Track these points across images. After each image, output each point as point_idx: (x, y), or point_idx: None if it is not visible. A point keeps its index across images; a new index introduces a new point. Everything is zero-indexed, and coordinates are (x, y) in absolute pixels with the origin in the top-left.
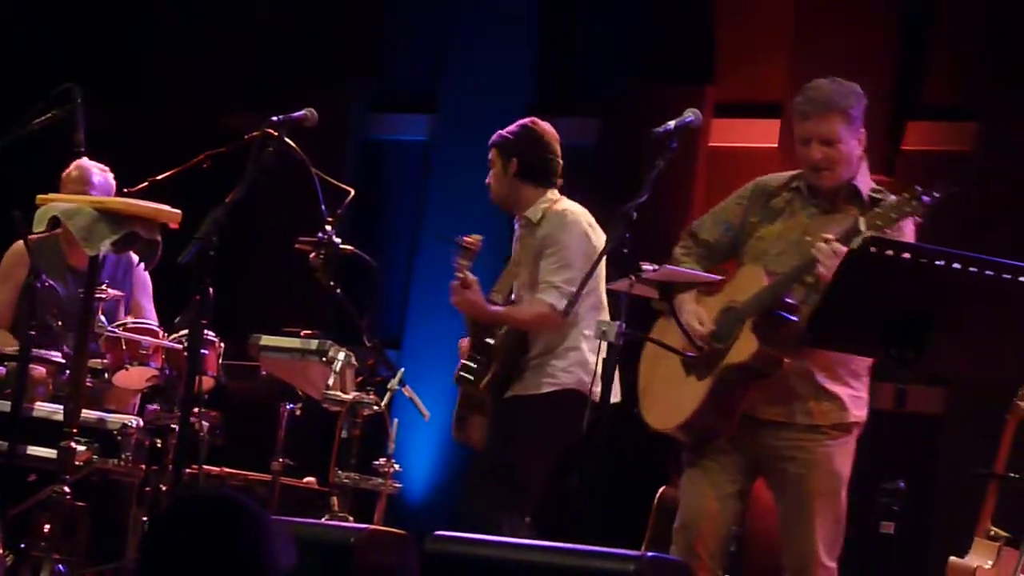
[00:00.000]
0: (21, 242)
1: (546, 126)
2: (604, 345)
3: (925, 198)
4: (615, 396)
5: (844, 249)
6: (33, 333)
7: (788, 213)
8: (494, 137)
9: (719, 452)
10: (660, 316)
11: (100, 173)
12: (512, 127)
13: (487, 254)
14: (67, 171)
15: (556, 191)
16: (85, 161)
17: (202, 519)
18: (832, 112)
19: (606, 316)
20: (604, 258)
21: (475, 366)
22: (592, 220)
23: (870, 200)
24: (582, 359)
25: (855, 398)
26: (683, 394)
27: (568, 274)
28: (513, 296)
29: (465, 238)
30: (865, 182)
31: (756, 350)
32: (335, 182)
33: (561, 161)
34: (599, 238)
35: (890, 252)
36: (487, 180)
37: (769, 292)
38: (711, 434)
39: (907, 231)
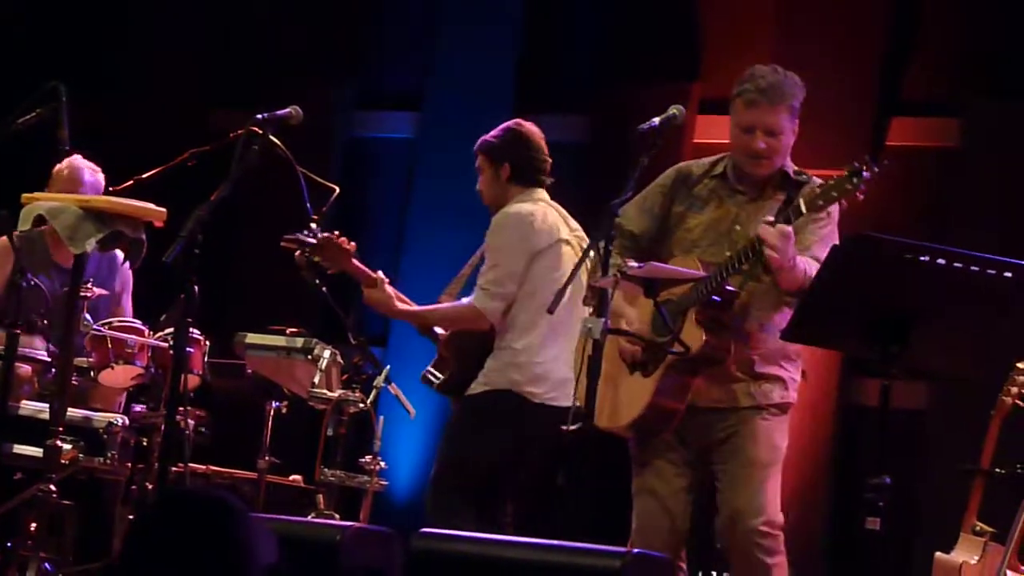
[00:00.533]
0: (4, 239)
1: (532, 127)
2: (589, 342)
3: (865, 174)
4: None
5: (789, 229)
6: (18, 332)
7: (715, 202)
8: (480, 143)
9: (667, 449)
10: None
11: (91, 173)
12: (497, 131)
13: (466, 255)
14: (58, 168)
15: (541, 190)
16: (77, 159)
17: (184, 517)
18: (780, 104)
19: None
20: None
21: (435, 370)
22: (545, 218)
23: (796, 182)
24: (513, 360)
25: (791, 379)
26: (630, 391)
27: (494, 274)
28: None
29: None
30: (789, 164)
31: (704, 340)
32: (320, 180)
33: (549, 160)
34: (546, 235)
35: (876, 248)
36: (478, 187)
37: (709, 282)
38: (659, 428)
39: (834, 222)
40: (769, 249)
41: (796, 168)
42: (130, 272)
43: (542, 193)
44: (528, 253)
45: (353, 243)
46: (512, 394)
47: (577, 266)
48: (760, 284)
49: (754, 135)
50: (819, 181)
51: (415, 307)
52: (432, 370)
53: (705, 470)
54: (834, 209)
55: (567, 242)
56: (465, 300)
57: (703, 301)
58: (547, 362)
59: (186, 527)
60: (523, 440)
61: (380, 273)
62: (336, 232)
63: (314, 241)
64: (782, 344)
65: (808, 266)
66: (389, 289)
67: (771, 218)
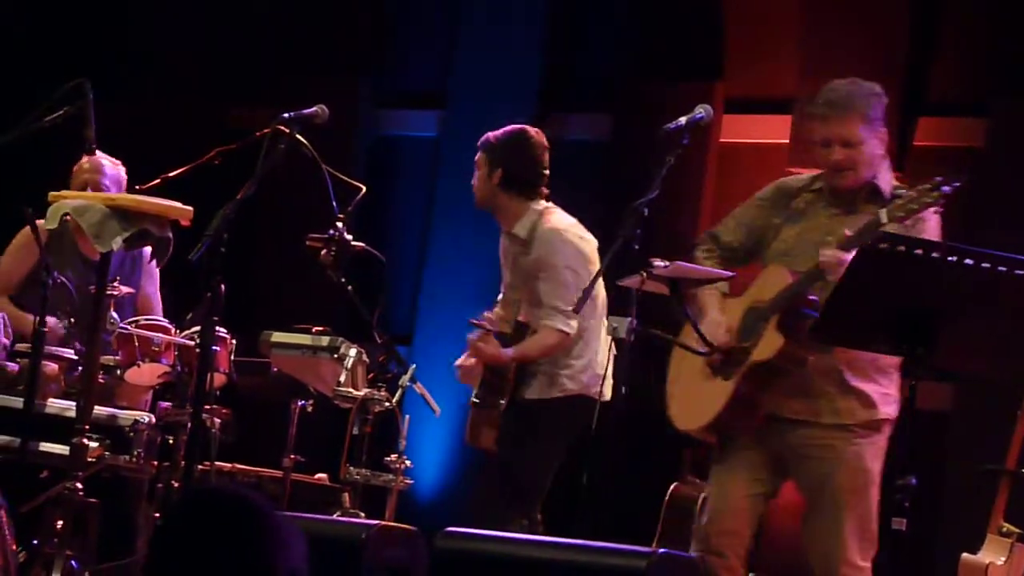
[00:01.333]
0: (39, 222)
1: (536, 134)
2: (612, 342)
3: (944, 188)
4: (607, 394)
5: (843, 256)
6: (45, 330)
7: (810, 214)
8: (483, 139)
9: (747, 450)
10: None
11: (112, 165)
12: (503, 132)
13: (497, 256)
14: (79, 164)
15: (542, 201)
16: (100, 154)
17: (211, 516)
18: (851, 114)
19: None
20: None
21: (487, 394)
22: (581, 229)
23: (892, 197)
24: (586, 364)
25: (884, 395)
26: (708, 394)
27: (569, 294)
28: (520, 316)
29: (479, 322)
30: (886, 180)
31: (781, 347)
32: (346, 179)
33: (547, 172)
34: (590, 245)
35: (901, 248)
36: (472, 181)
37: (792, 290)
38: (735, 433)
39: (931, 226)
40: (828, 273)
41: (896, 183)
42: (156, 268)
43: (543, 202)
44: (584, 267)
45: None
46: (585, 398)
47: (604, 265)
48: None
49: (831, 148)
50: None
51: (514, 349)
52: (475, 399)
53: (782, 479)
54: (932, 221)
55: (594, 241)
56: (546, 324)
57: (783, 309)
58: (604, 363)
59: (211, 527)
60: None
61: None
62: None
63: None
64: (873, 356)
65: None
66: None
67: (849, 232)
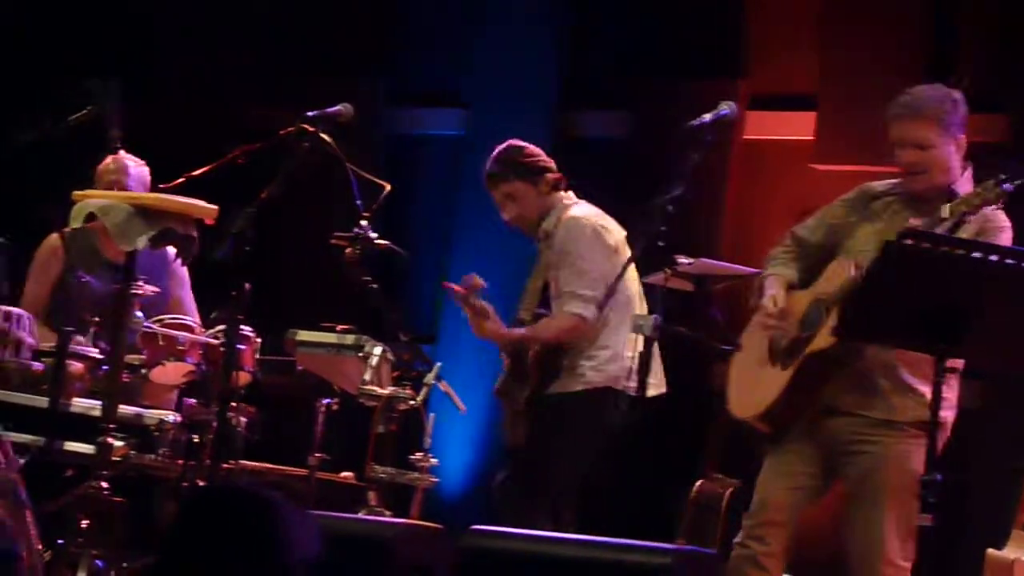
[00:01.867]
0: (55, 236)
1: (519, 143)
2: (640, 339)
3: (1006, 185)
4: (660, 388)
5: None
6: (71, 329)
7: (886, 216)
8: (495, 172)
9: (798, 443)
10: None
11: (136, 165)
12: (506, 155)
13: (522, 253)
14: (103, 163)
15: (571, 193)
16: (123, 154)
17: (220, 512)
18: (921, 116)
19: (639, 310)
20: (630, 253)
21: (510, 384)
22: (604, 219)
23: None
24: (613, 355)
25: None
26: (765, 383)
27: (587, 280)
28: (540, 309)
29: (456, 286)
30: (966, 186)
31: (835, 339)
32: (371, 177)
33: (551, 162)
34: (613, 235)
35: (926, 244)
36: (508, 217)
37: (854, 281)
38: (789, 423)
39: (1004, 238)
40: None
41: (993, 180)
42: (184, 270)
43: (567, 194)
44: (608, 258)
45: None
46: (612, 391)
47: (630, 260)
48: None
49: (904, 150)
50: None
51: (522, 329)
52: (504, 384)
53: (833, 477)
54: (1001, 224)
55: (621, 233)
56: (563, 308)
57: (844, 299)
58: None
59: (222, 522)
60: (618, 435)
61: (489, 305)
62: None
63: None
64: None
65: None
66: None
67: (917, 222)
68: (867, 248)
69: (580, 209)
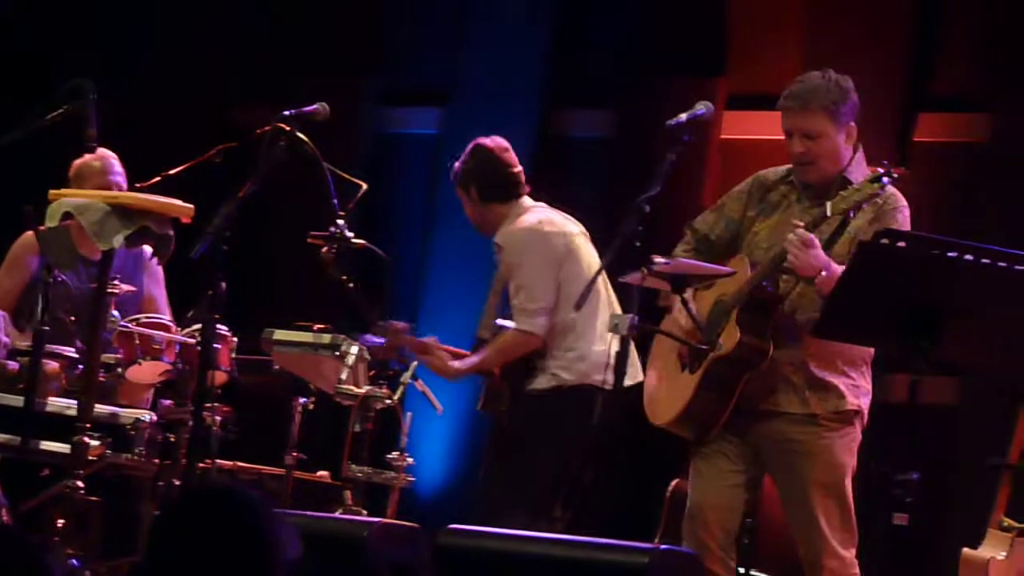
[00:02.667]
0: (30, 233)
1: (490, 142)
2: (616, 338)
3: (884, 179)
4: (637, 376)
5: (811, 237)
6: (47, 328)
7: (784, 207)
8: (452, 173)
9: (724, 442)
10: (666, 313)
11: (119, 163)
12: (461, 156)
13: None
14: (86, 160)
15: (525, 199)
16: (103, 151)
17: (208, 512)
18: (812, 107)
19: (609, 309)
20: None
21: (489, 400)
22: (554, 222)
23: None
24: (580, 355)
25: (853, 387)
26: (677, 389)
27: (528, 293)
28: (498, 321)
29: (378, 337)
30: (860, 172)
31: (738, 340)
32: (348, 176)
33: (518, 169)
34: (564, 237)
35: (902, 244)
36: (470, 217)
37: (750, 283)
38: (705, 427)
39: (900, 221)
40: (790, 255)
41: (870, 174)
42: (160, 268)
43: (527, 200)
44: (554, 261)
45: (405, 323)
46: (583, 387)
47: (605, 262)
48: (811, 285)
49: (792, 140)
50: (889, 189)
51: (469, 360)
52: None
53: (762, 468)
54: (901, 218)
55: (578, 234)
56: (507, 323)
57: (744, 301)
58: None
59: (209, 522)
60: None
61: (431, 338)
62: (392, 322)
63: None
64: (842, 348)
65: None
66: (441, 352)
67: (801, 223)
68: (767, 244)
69: (528, 217)
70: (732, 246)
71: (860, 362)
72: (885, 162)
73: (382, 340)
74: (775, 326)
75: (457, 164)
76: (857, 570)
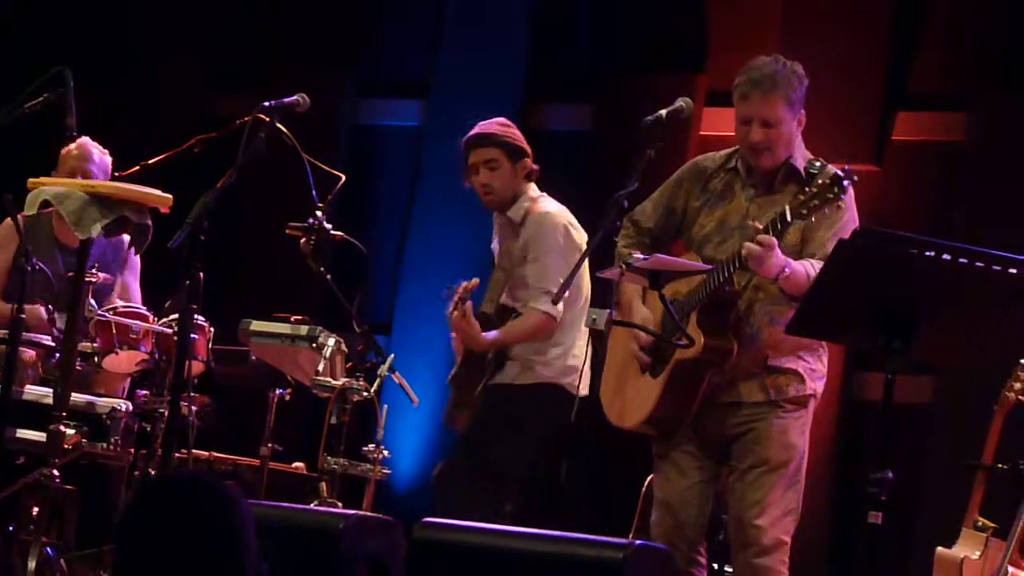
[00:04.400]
0: (10, 219)
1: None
2: (589, 333)
3: (844, 182)
4: (584, 389)
5: (771, 239)
6: (23, 316)
7: (728, 196)
8: (485, 134)
9: (685, 441)
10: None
11: (100, 153)
12: (503, 126)
13: (477, 247)
14: (67, 149)
15: (535, 185)
16: (86, 140)
17: (176, 501)
18: (773, 94)
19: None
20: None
21: (467, 372)
22: (572, 218)
23: (807, 174)
24: (563, 352)
25: (810, 371)
26: (639, 391)
27: (554, 276)
28: (503, 299)
29: (458, 289)
30: (801, 154)
31: (703, 343)
32: (326, 168)
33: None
34: (580, 236)
35: (881, 243)
36: (485, 180)
37: (709, 283)
38: (674, 425)
39: (848, 218)
40: (751, 261)
41: (811, 158)
42: (137, 258)
43: (535, 187)
44: (574, 252)
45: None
46: (560, 387)
47: (583, 256)
48: (766, 279)
49: (751, 127)
50: (833, 169)
51: (494, 334)
52: (452, 378)
53: (723, 463)
54: (847, 203)
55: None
56: (532, 305)
57: (703, 302)
58: (581, 355)
59: (178, 513)
60: (562, 431)
61: (468, 304)
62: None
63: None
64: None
65: (812, 269)
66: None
67: (759, 225)
68: (716, 237)
69: (550, 205)
70: (675, 236)
71: (817, 346)
72: (847, 167)
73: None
74: (734, 323)
75: (501, 132)
76: (787, 558)
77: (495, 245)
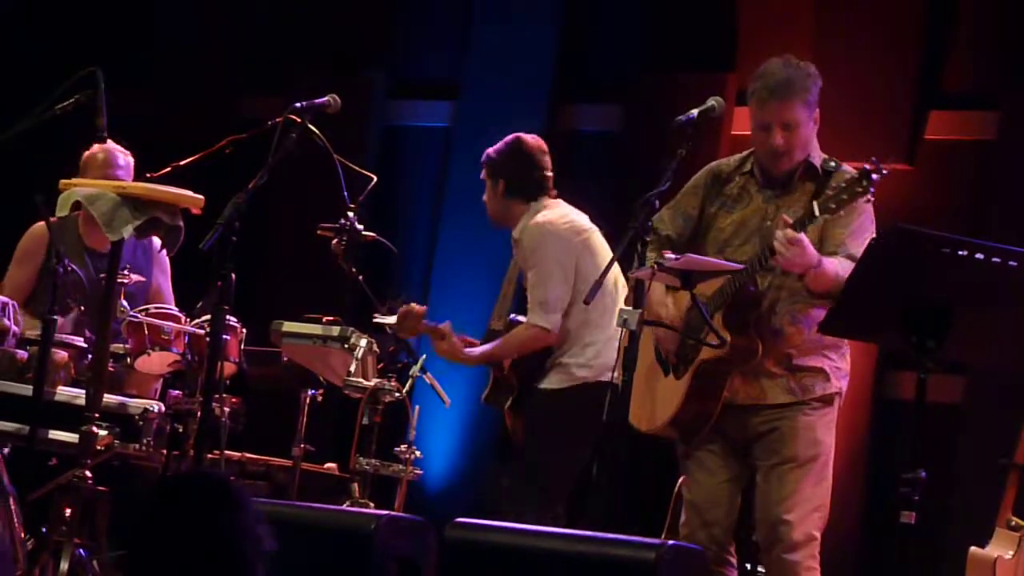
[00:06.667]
0: (41, 223)
1: (532, 140)
2: (624, 333)
3: (873, 176)
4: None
5: (800, 236)
6: (56, 318)
7: (745, 199)
8: (484, 156)
9: (710, 441)
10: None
11: (124, 156)
12: (499, 145)
13: (507, 247)
14: (91, 153)
15: (547, 199)
16: (110, 143)
17: (188, 499)
18: (792, 97)
19: (620, 305)
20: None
21: (495, 392)
22: (577, 221)
23: (823, 171)
24: (597, 352)
25: (836, 369)
26: (663, 393)
27: (545, 289)
28: (511, 317)
29: (390, 316)
30: (817, 154)
31: (730, 343)
32: (358, 168)
33: (550, 173)
34: (581, 236)
35: (913, 242)
36: (483, 198)
37: (732, 284)
38: (696, 427)
39: (865, 219)
40: (778, 255)
41: (825, 156)
42: (167, 260)
43: (547, 200)
44: (570, 258)
45: (423, 306)
46: (600, 384)
47: (614, 257)
48: (788, 278)
49: (771, 132)
50: (849, 170)
51: (482, 348)
52: (485, 397)
53: (747, 463)
54: (866, 213)
55: (594, 230)
56: (521, 318)
57: (728, 303)
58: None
59: (189, 510)
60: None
61: (446, 324)
62: (409, 304)
63: (391, 319)
64: (820, 335)
65: (840, 267)
66: (455, 339)
67: (788, 220)
68: (735, 240)
69: (547, 213)
70: (692, 242)
71: (841, 344)
72: (874, 159)
73: (392, 319)
74: (756, 322)
75: (492, 151)
76: (817, 554)
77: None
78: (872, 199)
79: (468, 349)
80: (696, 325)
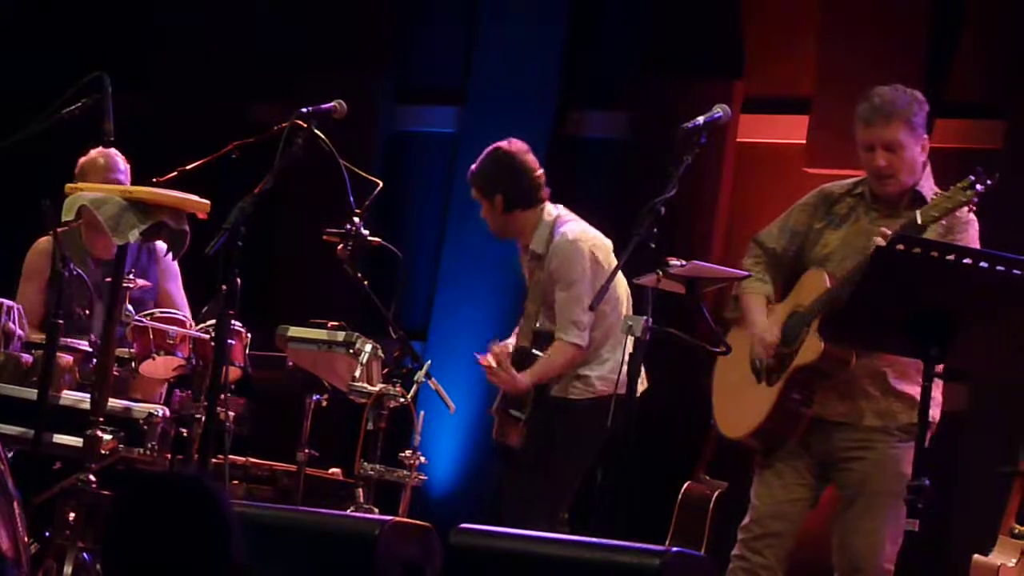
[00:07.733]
0: (43, 240)
1: (511, 146)
2: (630, 340)
3: (978, 186)
4: (642, 384)
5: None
6: (61, 322)
7: (852, 219)
8: (470, 174)
9: (791, 455)
10: (732, 326)
11: (123, 160)
12: (483, 161)
13: (512, 253)
14: (90, 157)
15: (548, 204)
16: (110, 149)
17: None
18: (894, 119)
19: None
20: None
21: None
22: (596, 237)
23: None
24: (615, 366)
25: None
26: (753, 400)
27: (581, 306)
28: (539, 325)
29: (482, 360)
30: (929, 186)
31: (823, 350)
32: (364, 174)
33: (540, 171)
34: (603, 251)
35: (916, 250)
36: (481, 215)
37: (832, 293)
38: (782, 438)
39: (972, 235)
40: None
41: (937, 190)
42: (174, 263)
43: (549, 206)
44: (602, 276)
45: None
46: (613, 397)
47: (621, 263)
48: None
49: (874, 153)
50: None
51: (533, 371)
52: (512, 411)
53: (825, 484)
54: (968, 218)
55: (610, 246)
56: (561, 338)
57: (824, 312)
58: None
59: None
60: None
61: (506, 356)
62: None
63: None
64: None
65: None
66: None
67: (888, 231)
68: (838, 256)
69: (573, 228)
70: (798, 258)
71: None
72: (980, 169)
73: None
74: None
75: (476, 169)
76: None
77: (526, 275)
78: (975, 208)
79: (520, 376)
80: (791, 335)
